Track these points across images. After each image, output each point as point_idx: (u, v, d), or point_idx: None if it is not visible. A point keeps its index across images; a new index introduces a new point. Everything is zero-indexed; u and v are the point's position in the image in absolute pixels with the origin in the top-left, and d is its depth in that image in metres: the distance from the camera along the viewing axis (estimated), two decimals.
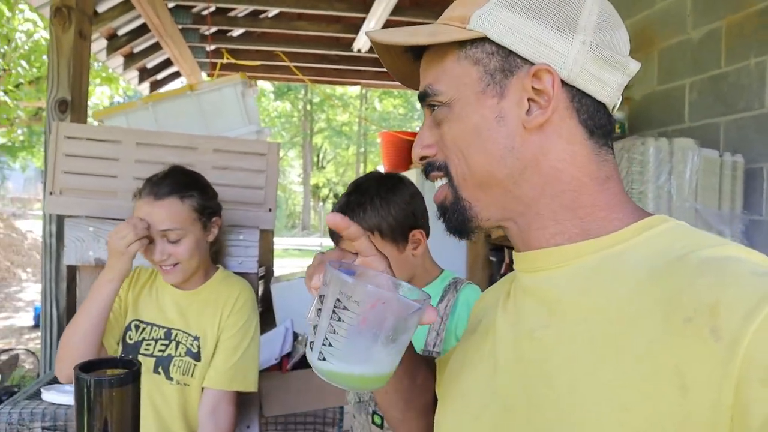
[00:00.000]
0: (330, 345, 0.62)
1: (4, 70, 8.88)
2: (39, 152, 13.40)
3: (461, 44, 0.64)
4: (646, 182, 2.18)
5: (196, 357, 1.55)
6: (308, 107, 27.20)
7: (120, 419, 0.90)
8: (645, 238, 0.59)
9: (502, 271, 4.19)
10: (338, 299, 0.61)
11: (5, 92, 8.90)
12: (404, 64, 0.75)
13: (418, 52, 0.71)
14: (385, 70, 0.79)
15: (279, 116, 26.51)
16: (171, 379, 1.54)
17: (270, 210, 1.84)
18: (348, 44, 5.48)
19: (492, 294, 0.82)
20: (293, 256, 16.35)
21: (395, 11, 4.37)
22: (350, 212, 1.26)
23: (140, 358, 1.52)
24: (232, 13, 5.19)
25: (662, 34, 2.85)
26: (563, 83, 0.62)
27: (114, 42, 4.79)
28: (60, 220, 2.35)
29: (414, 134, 5.32)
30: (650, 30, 2.92)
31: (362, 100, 26.42)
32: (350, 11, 4.70)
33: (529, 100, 0.62)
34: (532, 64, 0.61)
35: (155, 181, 1.52)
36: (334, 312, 0.61)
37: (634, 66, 0.65)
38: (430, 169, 0.70)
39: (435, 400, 0.86)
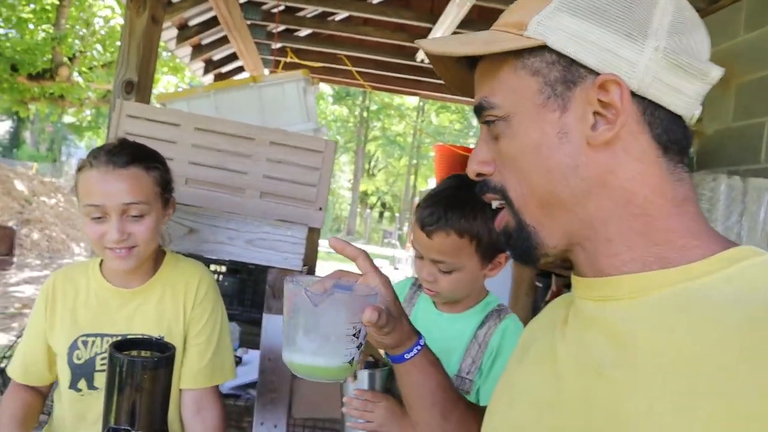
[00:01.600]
0: (282, 334, 0.74)
1: (81, 52, 9.24)
2: (104, 133, 13.91)
3: (518, 53, 0.60)
4: (713, 221, 2.06)
5: None
6: (365, 114, 27.39)
7: (149, 403, 0.88)
8: (734, 273, 0.52)
9: (548, 298, 4.06)
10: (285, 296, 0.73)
11: (79, 73, 9.26)
12: (458, 73, 0.71)
13: (473, 61, 0.67)
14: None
15: (335, 120, 26.80)
16: None
17: (320, 209, 1.81)
18: (411, 53, 5.46)
19: (543, 320, 0.77)
20: (335, 259, 16.39)
21: (463, 24, 4.32)
22: (458, 211, 1.15)
23: (97, 376, 1.32)
24: (300, 13, 5.24)
25: (742, 68, 2.71)
26: (633, 95, 0.56)
27: (184, 32, 4.90)
28: None
29: (470, 150, 5.24)
30: (730, 62, 2.78)
31: (419, 111, 26.45)
32: (417, 20, 4.68)
33: (594, 114, 0.57)
34: (598, 74, 0.56)
35: (110, 150, 1.28)
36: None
37: (716, 72, 0.58)
38: (485, 189, 0.66)
39: None
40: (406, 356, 0.82)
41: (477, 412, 0.84)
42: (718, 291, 0.51)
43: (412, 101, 24.68)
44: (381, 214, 35.28)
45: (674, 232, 0.57)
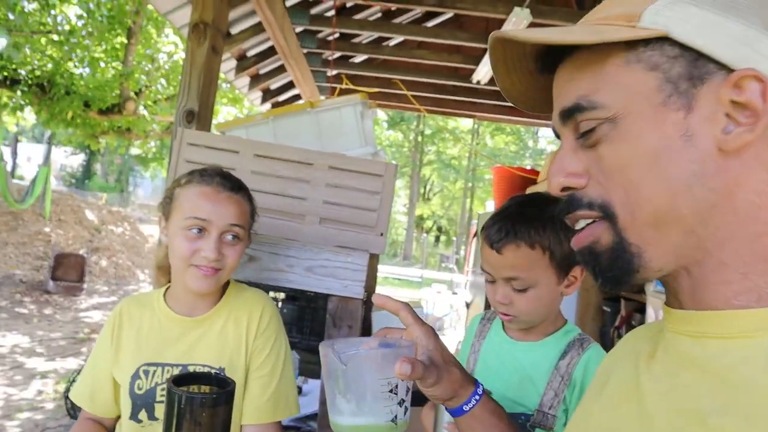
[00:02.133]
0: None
1: (146, 86, 9.67)
2: (167, 163, 14.47)
3: (631, 46, 0.52)
4: None
5: None
6: (419, 138, 27.48)
7: None
8: None
9: (617, 324, 3.86)
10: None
11: (145, 107, 9.69)
12: (523, 80, 0.63)
13: (550, 62, 0.59)
14: (501, 103, 0.68)
15: (390, 145, 26.99)
16: None
17: (381, 234, 1.76)
18: (466, 75, 5.41)
19: (623, 351, 0.68)
20: (393, 284, 16.36)
21: None
22: (526, 223, 1.10)
23: (158, 407, 1.28)
24: (355, 40, 5.30)
25: None
26: None
27: (243, 62, 5.03)
28: None
29: (528, 171, 5.12)
30: None
31: (474, 134, 26.33)
32: (472, 41, 4.64)
33: (725, 115, 0.49)
34: (730, 70, 0.49)
35: (219, 173, 1.34)
36: None
37: None
38: (574, 205, 0.56)
39: None
40: (465, 408, 0.77)
41: None
42: None
43: (466, 124, 24.60)
44: (437, 239, 35.09)
45: None
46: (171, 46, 9.99)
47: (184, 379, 0.90)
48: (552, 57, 0.59)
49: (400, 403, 0.71)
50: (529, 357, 1.17)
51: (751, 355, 0.47)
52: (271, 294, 2.63)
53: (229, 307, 1.37)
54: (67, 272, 8.50)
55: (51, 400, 4.45)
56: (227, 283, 1.41)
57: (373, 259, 1.72)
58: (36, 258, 9.56)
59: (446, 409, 0.80)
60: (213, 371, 1.29)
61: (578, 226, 0.58)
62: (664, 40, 0.51)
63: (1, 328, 6.39)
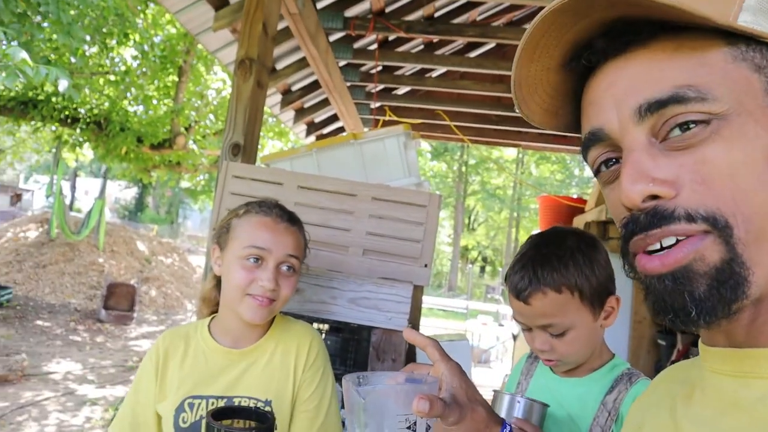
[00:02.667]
0: None
1: (195, 122, 9.99)
2: None
3: (730, 42, 0.47)
4: None
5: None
6: (463, 169, 27.43)
7: None
8: None
9: (674, 357, 3.69)
10: None
11: (194, 141, 10.00)
12: (553, 91, 0.57)
13: (596, 58, 0.52)
14: (546, 132, 0.64)
15: (434, 176, 27.01)
16: None
17: (426, 265, 1.73)
18: (510, 104, 5.38)
19: (657, 393, 0.63)
20: (437, 316, 16.18)
21: None
22: (548, 266, 1.06)
23: None
24: (398, 72, 5.35)
25: None
26: None
27: (287, 96, 5.13)
28: None
29: (574, 200, 5.01)
30: None
31: (518, 164, 26.13)
32: None
33: None
34: None
35: (276, 205, 1.36)
36: None
37: None
38: (664, 218, 0.47)
39: None
40: None
41: None
42: None
43: (511, 153, 24.43)
44: (482, 269, 34.67)
45: None
46: (219, 82, 10.34)
47: (223, 412, 0.89)
48: (598, 54, 0.52)
49: None
50: (575, 393, 1.13)
51: None
52: (316, 325, 2.62)
53: (276, 339, 1.36)
54: (119, 301, 8.74)
55: (100, 427, 4.53)
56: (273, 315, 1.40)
57: (418, 291, 1.68)
58: (90, 287, 9.87)
59: None
60: (259, 404, 1.27)
61: (652, 247, 0.48)
62: (762, 44, 0.47)
63: (56, 355, 6.58)
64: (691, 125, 0.46)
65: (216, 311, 1.40)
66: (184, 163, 10.43)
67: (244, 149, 2.61)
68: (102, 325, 8.41)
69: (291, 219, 1.35)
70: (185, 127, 9.70)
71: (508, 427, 0.76)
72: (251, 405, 1.26)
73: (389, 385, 0.72)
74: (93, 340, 7.65)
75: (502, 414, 1.03)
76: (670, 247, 0.47)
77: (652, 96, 0.48)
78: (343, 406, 2.59)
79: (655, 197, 0.47)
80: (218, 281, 1.39)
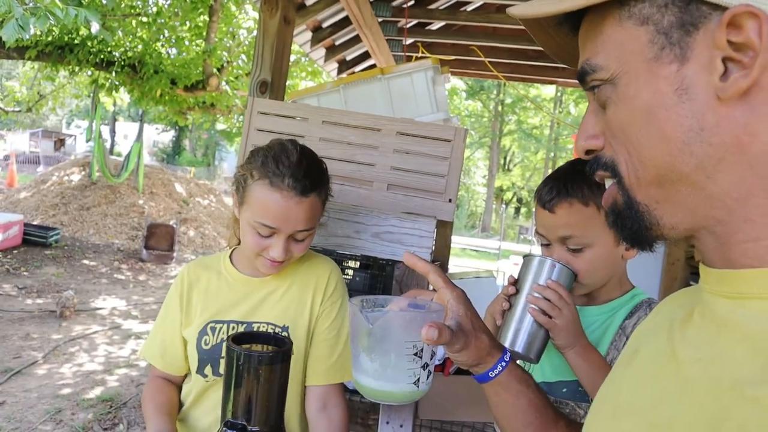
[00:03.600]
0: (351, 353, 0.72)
1: (228, 62, 9.94)
2: None
3: (621, 3, 0.51)
4: None
5: None
6: (499, 108, 26.86)
7: (265, 398, 0.85)
8: None
9: None
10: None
11: (227, 83, 9.97)
12: (562, 40, 0.62)
13: (576, 22, 0.57)
14: None
15: (469, 115, 26.56)
16: None
17: (450, 200, 1.72)
18: None
19: (659, 315, 0.64)
20: (470, 256, 16.24)
21: None
22: (579, 180, 1.06)
23: (222, 362, 1.30)
24: (431, 6, 5.19)
25: None
26: None
27: (318, 34, 5.04)
28: None
29: None
30: None
31: (557, 102, 25.43)
32: None
33: (724, 60, 0.46)
34: (725, 8, 0.45)
35: (294, 173, 1.25)
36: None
37: None
38: (595, 166, 0.57)
39: None
40: (491, 374, 0.76)
41: (579, 427, 0.74)
42: None
43: (549, 92, 23.76)
44: (517, 210, 34.41)
45: None
46: (251, 21, 10.20)
47: (244, 337, 0.92)
48: (577, 20, 0.57)
49: (424, 366, 0.71)
50: (594, 320, 1.13)
51: None
52: (348, 263, 2.65)
53: (296, 270, 1.39)
54: (159, 242, 9.01)
55: (144, 359, 4.77)
56: None
57: (445, 228, 1.68)
58: (131, 228, 10.18)
59: (473, 376, 0.79)
60: (276, 329, 1.32)
61: (608, 185, 0.58)
62: None
63: (102, 293, 6.88)
64: (596, 91, 0.54)
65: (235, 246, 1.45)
66: (218, 104, 10.45)
67: (272, 86, 2.59)
68: (144, 264, 8.71)
69: (305, 189, 1.25)
70: (217, 68, 9.65)
71: (508, 354, 0.77)
72: (269, 330, 1.31)
73: (397, 312, 0.72)
74: (136, 278, 7.95)
75: (531, 275, 1.05)
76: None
77: (577, 69, 0.57)
78: None
79: (592, 150, 0.57)
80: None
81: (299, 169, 1.26)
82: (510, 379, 0.76)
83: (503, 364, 0.76)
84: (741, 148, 0.46)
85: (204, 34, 9.63)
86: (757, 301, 0.47)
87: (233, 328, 1.33)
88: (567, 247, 1.08)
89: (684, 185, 0.49)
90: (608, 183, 0.57)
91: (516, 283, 1.06)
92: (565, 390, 1.11)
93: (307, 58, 8.61)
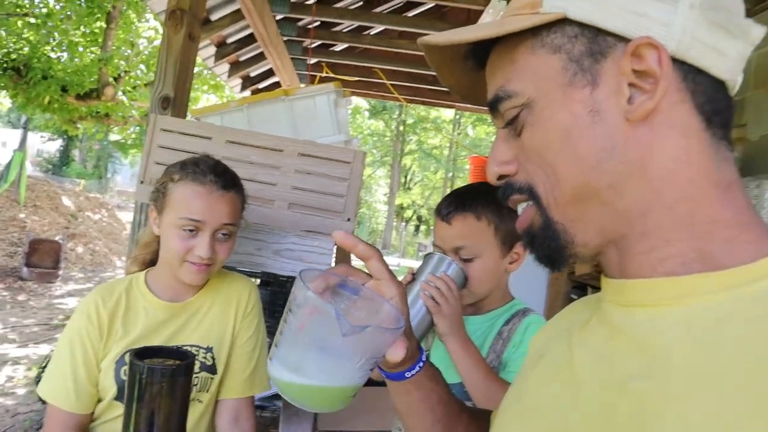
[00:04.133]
0: (276, 345, 0.62)
1: (125, 72, 9.55)
2: None
3: (535, 33, 0.53)
4: None
5: (212, 370, 1.36)
6: (401, 128, 27.48)
7: (168, 410, 0.88)
8: None
9: None
10: (290, 300, 0.61)
11: (124, 93, 9.57)
12: (465, 76, 0.63)
13: (482, 57, 0.60)
14: None
15: (372, 134, 26.97)
16: None
17: (349, 219, 1.81)
18: None
19: (561, 323, 0.68)
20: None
21: None
22: (474, 196, 1.22)
23: None
24: (336, 28, 5.31)
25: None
26: (672, 60, 0.49)
27: (222, 49, 5.02)
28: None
29: None
30: None
31: (455, 124, 26.41)
32: None
33: (629, 85, 0.50)
34: (629, 40, 0.49)
35: (214, 169, 1.32)
36: (285, 312, 0.62)
37: (757, 32, 0.51)
38: (509, 191, 0.58)
39: None
40: (407, 374, 0.71)
41: (483, 420, 0.77)
42: None
43: (448, 114, 24.66)
44: (417, 228, 35.22)
45: (720, 222, 0.49)
46: (151, 31, 9.89)
47: (146, 352, 0.94)
48: (482, 54, 0.59)
49: (362, 374, 0.64)
50: (477, 329, 1.25)
51: (671, 323, 0.48)
52: None
53: (216, 290, 1.42)
54: (42, 258, 8.41)
55: (22, 386, 4.45)
56: None
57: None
58: (10, 244, 9.44)
59: (384, 372, 0.73)
60: (201, 350, 1.35)
61: (520, 212, 0.59)
62: (564, 21, 0.52)
63: None
64: (516, 116, 0.55)
65: (145, 268, 1.43)
66: (113, 114, 9.97)
67: (174, 102, 2.57)
68: (24, 282, 8.10)
69: (228, 184, 1.32)
70: (114, 77, 9.24)
71: (424, 353, 0.75)
72: (194, 352, 1.32)
73: (377, 328, 0.63)
74: (14, 298, 7.37)
75: (429, 269, 1.18)
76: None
77: (488, 99, 0.58)
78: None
79: (504, 176, 0.59)
80: (158, 239, 1.38)
81: (218, 167, 1.33)
82: (424, 378, 0.73)
83: (421, 364, 0.72)
84: (643, 166, 0.50)
85: (100, 40, 9.20)
86: (644, 308, 0.50)
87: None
88: (459, 257, 1.21)
89: (596, 203, 0.52)
90: (521, 207, 0.59)
91: (415, 274, 1.19)
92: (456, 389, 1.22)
93: (209, 72, 8.46)
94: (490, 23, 0.56)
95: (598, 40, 0.51)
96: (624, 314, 0.52)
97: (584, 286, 4.04)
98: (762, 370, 0.40)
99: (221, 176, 1.31)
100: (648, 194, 0.50)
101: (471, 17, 4.85)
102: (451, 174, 27.88)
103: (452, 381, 1.21)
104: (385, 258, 0.71)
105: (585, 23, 0.51)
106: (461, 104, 6.81)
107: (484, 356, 1.20)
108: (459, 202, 1.22)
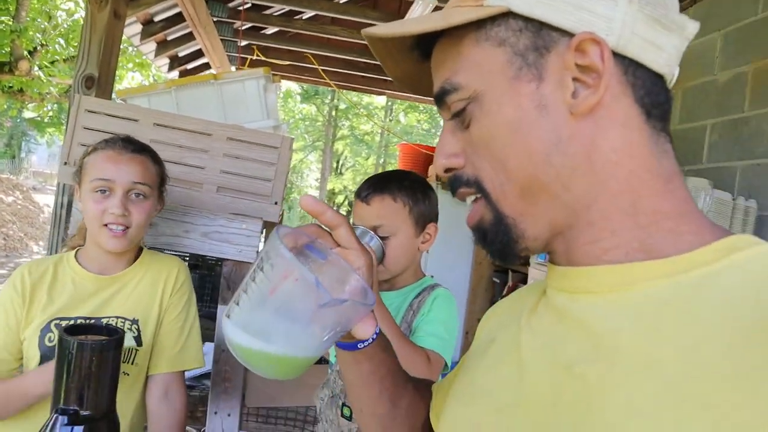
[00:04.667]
0: (237, 303, 0.58)
1: (42, 45, 9.05)
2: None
3: (479, 26, 0.53)
4: None
5: (137, 341, 1.41)
6: (333, 113, 27.37)
7: (97, 385, 0.91)
8: (731, 264, 0.45)
9: (504, 293, 4.17)
10: (262, 258, 0.56)
11: (40, 68, 9.07)
12: (410, 67, 0.63)
13: (427, 48, 0.59)
14: None
15: (303, 119, 26.73)
16: None
17: (276, 203, 1.86)
18: None
19: (509, 309, 0.69)
20: None
21: None
22: (390, 179, 1.35)
23: None
24: (267, 11, 5.26)
25: (688, 73, 2.84)
26: (613, 54, 0.50)
27: (149, 27, 4.88)
28: (72, 191, 2.39)
29: (434, 149, 5.32)
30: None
31: (387, 111, 26.55)
32: (383, 20, 4.73)
33: (573, 80, 0.50)
34: (572, 35, 0.50)
35: (124, 138, 1.43)
36: (254, 270, 0.57)
37: (692, 27, 0.52)
38: (457, 184, 0.57)
39: (424, 430, 0.76)
40: (360, 345, 0.68)
41: (425, 390, 0.79)
42: (713, 287, 0.44)
43: (380, 101, 24.77)
44: (348, 213, 35.33)
45: (661, 213, 0.50)
46: (71, 3, 9.39)
47: (76, 329, 0.97)
48: (427, 45, 0.59)
49: (326, 346, 0.61)
50: (392, 304, 1.35)
51: (614, 310, 0.48)
52: None
53: (146, 267, 1.47)
54: None
55: None
56: (141, 249, 1.52)
57: (272, 228, 1.80)
58: None
59: (337, 344, 0.70)
60: (126, 322, 1.39)
61: (468, 201, 0.58)
62: (508, 15, 0.51)
63: None
64: (463, 109, 0.55)
65: (78, 247, 1.48)
66: (28, 90, 9.42)
67: (99, 82, 2.53)
68: None
69: (137, 149, 1.41)
70: (29, 50, 8.75)
71: (377, 325, 0.70)
72: (118, 324, 1.37)
73: (354, 302, 0.61)
74: None
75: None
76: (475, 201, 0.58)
77: (435, 91, 0.58)
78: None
79: (452, 168, 0.58)
80: None
81: (127, 138, 1.44)
82: (376, 349, 0.70)
83: (375, 335, 0.68)
84: (589, 158, 0.50)
85: (12, 9, 8.67)
86: (588, 295, 0.51)
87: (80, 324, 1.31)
88: (377, 234, 1.31)
89: (546, 196, 0.52)
90: (469, 200, 0.58)
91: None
92: None
93: (135, 49, 8.16)
94: (434, 14, 0.55)
95: (542, 35, 0.51)
96: (569, 300, 0.53)
97: (505, 270, 4.25)
98: (697, 354, 0.41)
99: (131, 142, 1.42)
100: (594, 186, 0.51)
101: (402, 7, 4.93)
102: (382, 160, 28.06)
103: None
104: None
105: (528, 17, 0.51)
106: (391, 92, 6.90)
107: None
108: (377, 185, 1.34)
